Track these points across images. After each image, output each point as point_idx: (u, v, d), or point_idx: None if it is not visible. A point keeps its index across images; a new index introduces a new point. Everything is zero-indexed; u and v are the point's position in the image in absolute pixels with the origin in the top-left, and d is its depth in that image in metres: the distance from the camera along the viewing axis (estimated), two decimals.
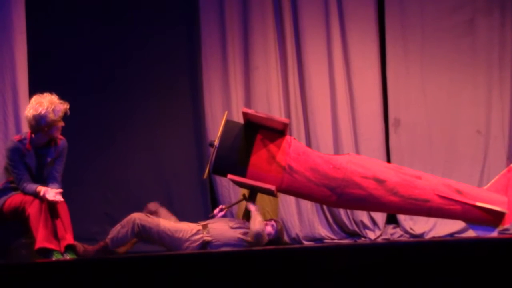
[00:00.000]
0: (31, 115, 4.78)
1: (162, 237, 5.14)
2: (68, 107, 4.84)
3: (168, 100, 6.96)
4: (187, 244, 5.16)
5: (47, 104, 4.77)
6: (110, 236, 5.13)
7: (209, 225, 5.29)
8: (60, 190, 4.77)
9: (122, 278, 3.41)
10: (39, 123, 4.78)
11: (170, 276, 3.37)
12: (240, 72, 7.07)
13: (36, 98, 4.85)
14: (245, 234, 5.26)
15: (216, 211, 5.65)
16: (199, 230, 5.24)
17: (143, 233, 5.15)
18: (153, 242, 5.24)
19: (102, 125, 6.84)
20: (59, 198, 4.70)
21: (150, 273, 3.38)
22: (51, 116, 4.76)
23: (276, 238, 5.44)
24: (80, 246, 5.01)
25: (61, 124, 4.86)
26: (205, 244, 5.18)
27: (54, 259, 4.61)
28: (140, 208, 6.72)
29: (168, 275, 3.37)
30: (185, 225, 5.27)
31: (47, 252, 4.64)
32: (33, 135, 4.86)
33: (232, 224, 5.33)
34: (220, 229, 5.27)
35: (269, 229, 5.41)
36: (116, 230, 5.14)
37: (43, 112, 4.75)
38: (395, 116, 6.92)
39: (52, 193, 4.69)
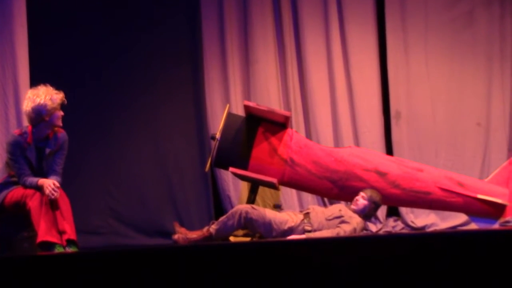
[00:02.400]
0: (30, 108, 4.80)
1: (268, 230, 5.16)
2: (63, 96, 4.87)
3: (170, 94, 6.95)
4: (293, 235, 5.15)
5: (44, 94, 4.80)
6: (215, 227, 5.15)
7: (310, 215, 5.24)
8: (58, 185, 4.75)
9: (124, 270, 3.41)
10: (40, 114, 4.79)
11: (168, 271, 3.37)
12: (239, 66, 7.05)
13: (31, 91, 4.88)
14: (340, 223, 5.18)
15: None
16: (302, 220, 5.21)
17: (249, 225, 5.19)
18: (258, 233, 5.27)
19: (104, 118, 6.83)
20: (54, 194, 4.68)
21: (146, 266, 3.39)
22: (50, 104, 4.79)
23: (373, 206, 5.32)
24: (182, 234, 5.11)
25: (61, 113, 4.87)
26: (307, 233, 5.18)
27: (56, 252, 4.61)
28: (141, 202, 6.78)
29: (166, 270, 3.37)
30: (288, 215, 5.25)
31: (49, 245, 4.63)
32: (34, 129, 4.86)
33: (327, 215, 5.24)
34: (319, 220, 5.21)
35: (361, 203, 5.29)
36: (223, 222, 5.16)
37: (42, 102, 4.77)
38: (396, 109, 6.90)
39: (50, 188, 4.69)
